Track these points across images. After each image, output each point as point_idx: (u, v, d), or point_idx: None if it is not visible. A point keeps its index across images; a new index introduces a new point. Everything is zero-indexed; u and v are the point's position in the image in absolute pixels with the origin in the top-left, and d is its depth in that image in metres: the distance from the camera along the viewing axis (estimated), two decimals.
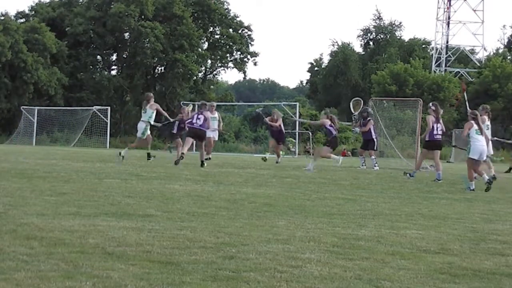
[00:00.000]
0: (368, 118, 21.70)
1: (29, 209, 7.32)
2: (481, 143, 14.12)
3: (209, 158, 21.74)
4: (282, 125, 22.90)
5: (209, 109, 20.02)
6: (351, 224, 7.19)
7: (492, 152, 18.86)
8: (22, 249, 5.04)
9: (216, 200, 9.23)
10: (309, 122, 38.22)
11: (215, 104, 24.18)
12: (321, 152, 20.33)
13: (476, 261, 5.32)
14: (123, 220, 6.77)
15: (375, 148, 21.92)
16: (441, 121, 16.82)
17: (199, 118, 18.84)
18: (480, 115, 17.21)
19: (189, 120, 18.93)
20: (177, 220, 6.98)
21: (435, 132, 16.55)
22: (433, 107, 16.92)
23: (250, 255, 5.15)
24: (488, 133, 17.81)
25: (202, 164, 18.09)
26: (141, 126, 19.67)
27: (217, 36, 59.57)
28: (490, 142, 18.02)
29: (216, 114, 22.89)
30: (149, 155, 19.77)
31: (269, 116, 23.55)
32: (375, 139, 21.79)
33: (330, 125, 19.19)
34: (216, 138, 23.54)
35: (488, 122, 17.76)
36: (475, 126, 14.19)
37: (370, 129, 21.68)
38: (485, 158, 14.70)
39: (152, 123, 19.76)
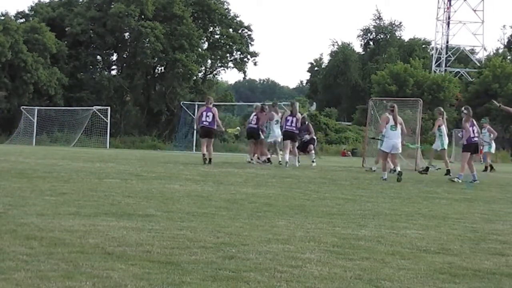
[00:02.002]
0: (306, 123, 23.72)
1: (29, 209, 7.32)
2: (393, 139, 15.09)
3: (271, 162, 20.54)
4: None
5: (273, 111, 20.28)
6: (351, 224, 7.19)
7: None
8: (22, 249, 5.03)
9: (216, 200, 9.22)
10: None
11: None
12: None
13: (476, 261, 5.31)
14: (123, 220, 6.77)
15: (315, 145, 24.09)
16: (475, 123, 16.50)
17: (208, 116, 18.81)
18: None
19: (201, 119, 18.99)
20: (177, 220, 6.98)
21: (472, 135, 16.08)
22: (465, 111, 16.58)
23: (250, 255, 5.15)
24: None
25: (209, 161, 18.64)
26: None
27: (217, 36, 59.51)
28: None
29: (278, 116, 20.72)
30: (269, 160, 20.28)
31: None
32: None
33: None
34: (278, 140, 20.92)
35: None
36: (391, 122, 15.01)
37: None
38: (397, 151, 15.54)
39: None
